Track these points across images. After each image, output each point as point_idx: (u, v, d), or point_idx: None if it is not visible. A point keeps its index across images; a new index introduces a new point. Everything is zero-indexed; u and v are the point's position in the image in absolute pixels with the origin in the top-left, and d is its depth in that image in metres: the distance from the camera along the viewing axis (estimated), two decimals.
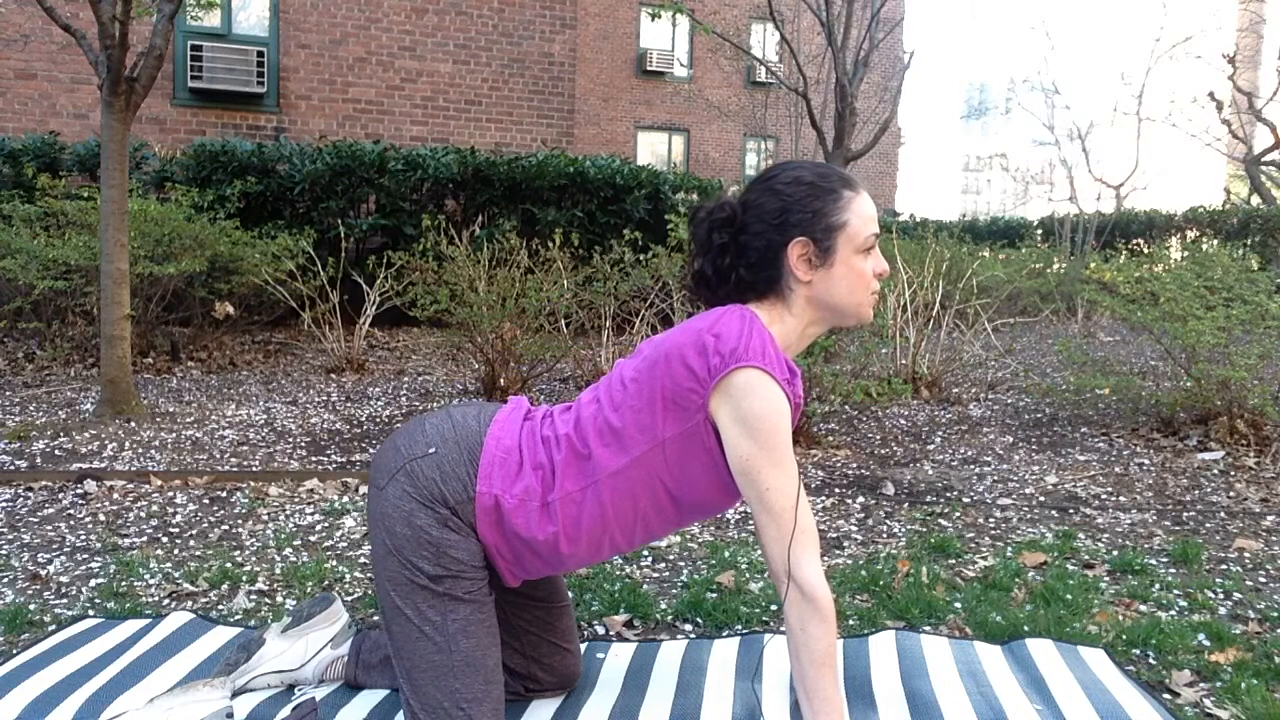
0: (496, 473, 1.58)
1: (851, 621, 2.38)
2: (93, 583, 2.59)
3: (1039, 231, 16.20)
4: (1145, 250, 13.66)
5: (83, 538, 2.98)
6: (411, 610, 1.55)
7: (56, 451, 4.07)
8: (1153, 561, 2.90)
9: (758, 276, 1.64)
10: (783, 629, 2.28)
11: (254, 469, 3.88)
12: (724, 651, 2.12)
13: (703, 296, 1.71)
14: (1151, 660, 2.18)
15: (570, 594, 2.52)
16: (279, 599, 2.50)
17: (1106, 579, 2.74)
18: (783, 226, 1.62)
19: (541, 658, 1.85)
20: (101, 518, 3.20)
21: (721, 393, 1.51)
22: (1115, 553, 2.97)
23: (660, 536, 1.68)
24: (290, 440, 4.41)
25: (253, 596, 2.51)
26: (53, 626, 2.28)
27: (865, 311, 1.66)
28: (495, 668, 1.57)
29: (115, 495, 3.46)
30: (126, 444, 4.22)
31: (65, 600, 2.47)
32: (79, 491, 3.49)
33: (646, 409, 1.55)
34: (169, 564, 2.75)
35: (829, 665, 1.51)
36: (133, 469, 3.81)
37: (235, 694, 1.84)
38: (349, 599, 2.51)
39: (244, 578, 2.63)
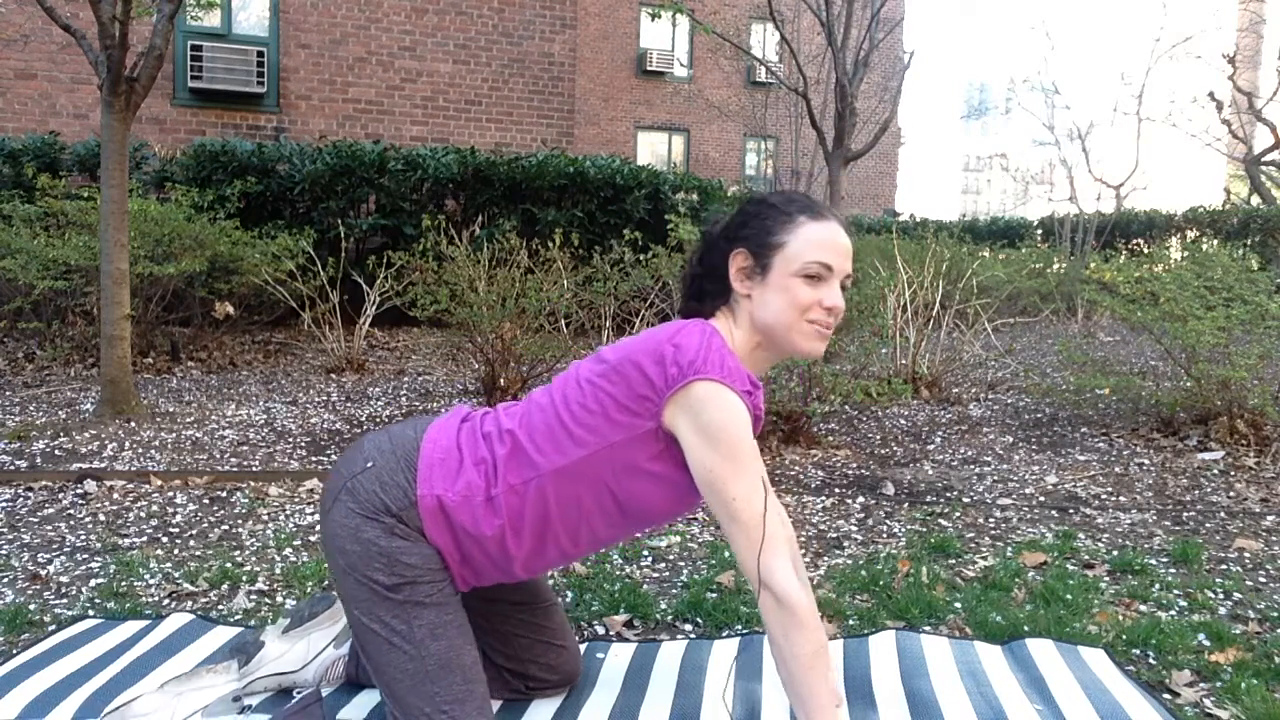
0: (436, 473, 1.60)
1: (851, 621, 2.38)
2: (93, 583, 2.59)
3: (1039, 231, 16.20)
4: (1145, 250, 13.66)
5: (83, 538, 2.98)
6: (377, 624, 1.56)
7: (56, 451, 4.07)
8: (1153, 561, 2.90)
9: (711, 287, 1.68)
10: None
11: (254, 469, 3.88)
12: (724, 651, 2.12)
13: (687, 309, 1.73)
14: (1151, 660, 2.18)
15: (556, 594, 2.52)
16: (279, 599, 2.50)
17: (1106, 579, 2.74)
18: (732, 238, 1.66)
19: (537, 658, 1.86)
20: (101, 518, 3.20)
21: (678, 404, 1.51)
22: (1115, 553, 2.97)
23: (608, 544, 1.68)
24: (290, 440, 4.41)
25: (253, 596, 2.51)
26: (53, 626, 2.28)
27: (799, 341, 1.61)
28: (473, 665, 1.57)
29: (115, 495, 3.46)
30: (126, 444, 4.22)
31: (65, 600, 2.47)
32: (79, 491, 3.49)
33: (599, 411, 1.55)
34: (169, 564, 2.75)
35: (816, 668, 1.50)
36: (133, 469, 3.81)
37: (235, 698, 1.84)
38: None
39: (244, 578, 2.63)
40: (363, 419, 4.92)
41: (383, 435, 1.68)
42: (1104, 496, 3.68)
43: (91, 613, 2.37)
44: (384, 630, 1.55)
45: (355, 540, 1.57)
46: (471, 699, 1.54)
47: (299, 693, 1.88)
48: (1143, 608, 2.51)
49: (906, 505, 3.52)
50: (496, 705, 1.87)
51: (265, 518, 3.24)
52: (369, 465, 1.62)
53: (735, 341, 1.64)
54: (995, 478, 3.96)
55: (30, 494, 3.45)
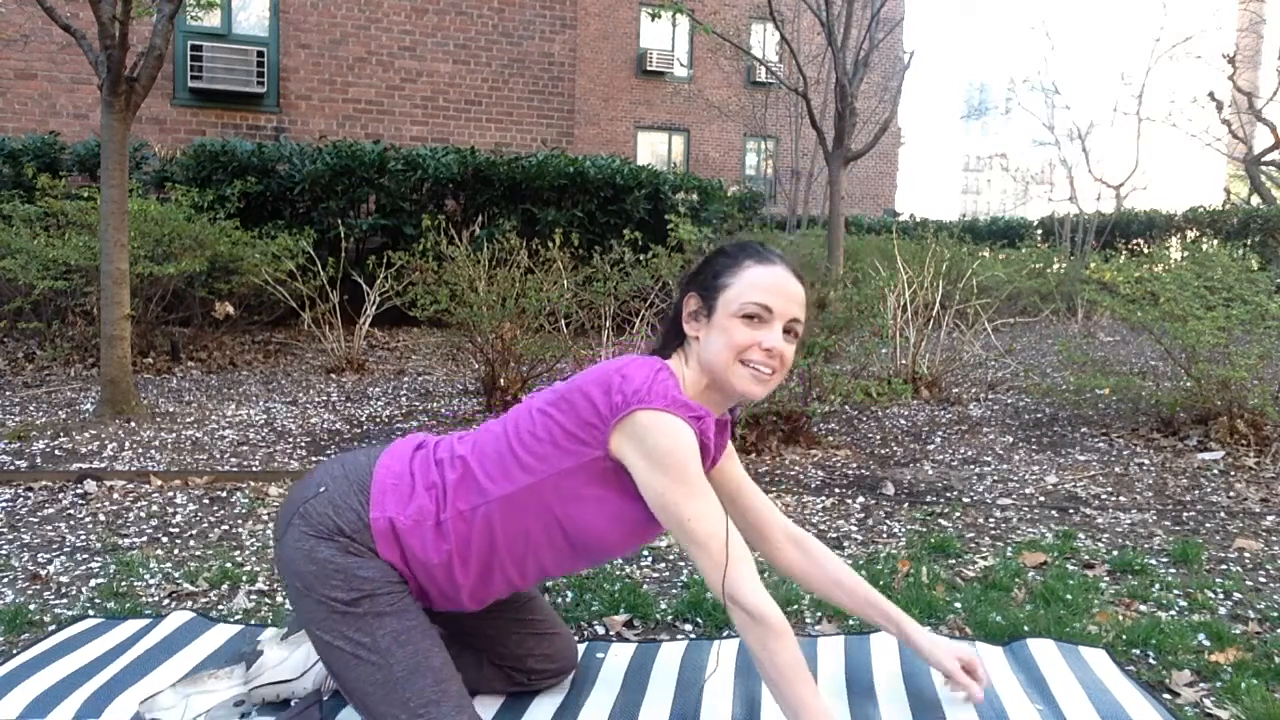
0: (389, 497, 1.62)
1: (852, 621, 2.38)
2: (93, 583, 2.59)
3: (1039, 231, 16.19)
4: (1145, 250, 13.66)
5: (83, 538, 2.98)
6: (341, 640, 1.57)
7: (56, 451, 4.06)
8: (1153, 561, 2.90)
9: (670, 328, 1.71)
10: None
11: (254, 469, 3.88)
12: (724, 651, 2.13)
13: (652, 351, 1.76)
14: (1151, 660, 2.18)
15: (554, 592, 2.52)
16: (279, 599, 2.50)
17: (1106, 579, 2.74)
18: (686, 282, 1.70)
19: (531, 650, 1.87)
20: (101, 518, 3.20)
21: (623, 432, 1.52)
22: (1115, 553, 2.97)
23: (556, 575, 1.70)
24: (290, 440, 4.41)
25: (253, 596, 2.51)
26: (53, 626, 2.28)
27: (735, 381, 1.61)
28: (443, 666, 1.58)
29: (115, 495, 3.46)
30: (126, 444, 4.22)
31: (65, 600, 2.47)
32: (79, 491, 3.49)
33: (547, 439, 1.57)
34: (169, 564, 2.75)
35: (800, 675, 1.52)
36: (133, 469, 3.81)
37: (236, 702, 1.84)
38: None
39: (244, 578, 2.63)
40: (363, 419, 4.92)
41: (335, 462, 1.71)
42: (1104, 496, 3.68)
43: (91, 613, 2.37)
44: (348, 645, 1.57)
45: (310, 561, 1.59)
46: (446, 698, 1.55)
47: (297, 700, 1.87)
48: (1143, 608, 2.51)
49: (906, 505, 3.52)
50: (498, 702, 1.87)
51: (265, 518, 3.24)
52: (321, 490, 1.64)
53: (687, 381, 1.66)
54: (995, 478, 3.96)
55: (30, 494, 3.45)
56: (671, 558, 2.89)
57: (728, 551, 1.51)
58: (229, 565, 2.73)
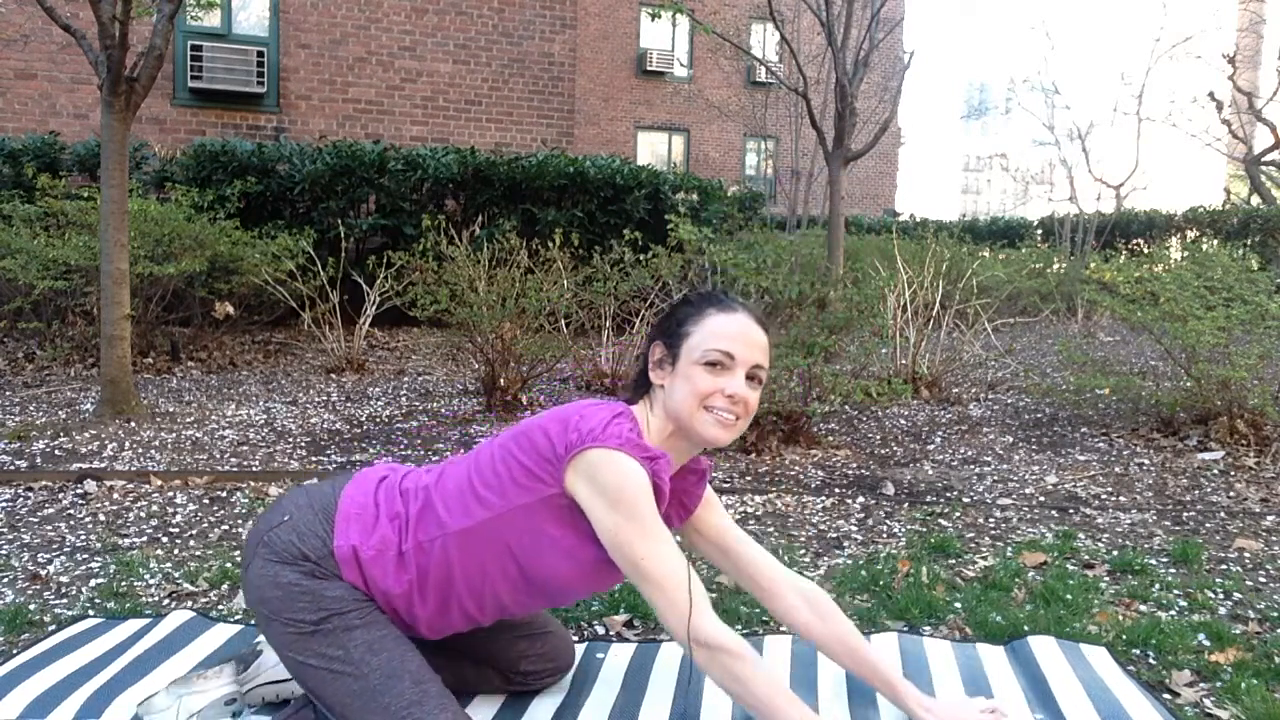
0: (353, 526, 1.64)
1: (852, 621, 2.38)
2: (93, 583, 2.59)
3: (1039, 231, 16.19)
4: (1145, 250, 13.66)
5: (83, 538, 2.98)
6: (314, 659, 1.58)
7: (56, 451, 4.07)
8: (1153, 561, 2.90)
9: (638, 376, 1.73)
10: (783, 628, 2.28)
11: (254, 469, 3.88)
12: None
13: (622, 398, 1.77)
14: (1151, 660, 2.18)
15: None
16: None
17: (1106, 579, 2.74)
18: (652, 331, 1.72)
19: (524, 652, 1.87)
20: (101, 518, 3.20)
21: (577, 470, 1.53)
22: (1115, 553, 2.97)
23: (517, 612, 1.71)
24: (290, 440, 4.41)
25: None
26: (53, 626, 2.28)
27: (699, 428, 1.62)
28: (419, 669, 1.59)
29: (115, 495, 3.46)
30: (126, 444, 4.22)
31: (65, 600, 2.47)
32: (79, 491, 3.49)
33: (506, 474, 1.59)
34: (169, 564, 2.75)
35: (780, 695, 1.51)
36: (133, 469, 3.81)
37: (228, 701, 1.84)
38: None
39: None
40: (363, 419, 4.92)
41: (300, 492, 1.72)
42: (1104, 496, 3.68)
43: (91, 612, 2.37)
44: (322, 662, 1.58)
45: (275, 586, 1.61)
46: (427, 698, 1.56)
47: (295, 699, 1.87)
48: (1143, 608, 2.51)
49: (906, 505, 3.52)
50: (498, 702, 1.87)
51: None
52: (285, 519, 1.66)
53: (652, 428, 1.67)
54: (995, 478, 3.96)
55: (30, 494, 3.45)
56: None
57: (691, 595, 1.51)
58: (229, 565, 2.73)
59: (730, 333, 1.63)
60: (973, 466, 4.14)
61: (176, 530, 3.09)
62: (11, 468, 3.78)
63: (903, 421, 5.08)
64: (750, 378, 1.64)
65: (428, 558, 1.61)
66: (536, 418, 1.62)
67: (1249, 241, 12.75)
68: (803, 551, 2.96)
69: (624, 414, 1.60)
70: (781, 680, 1.53)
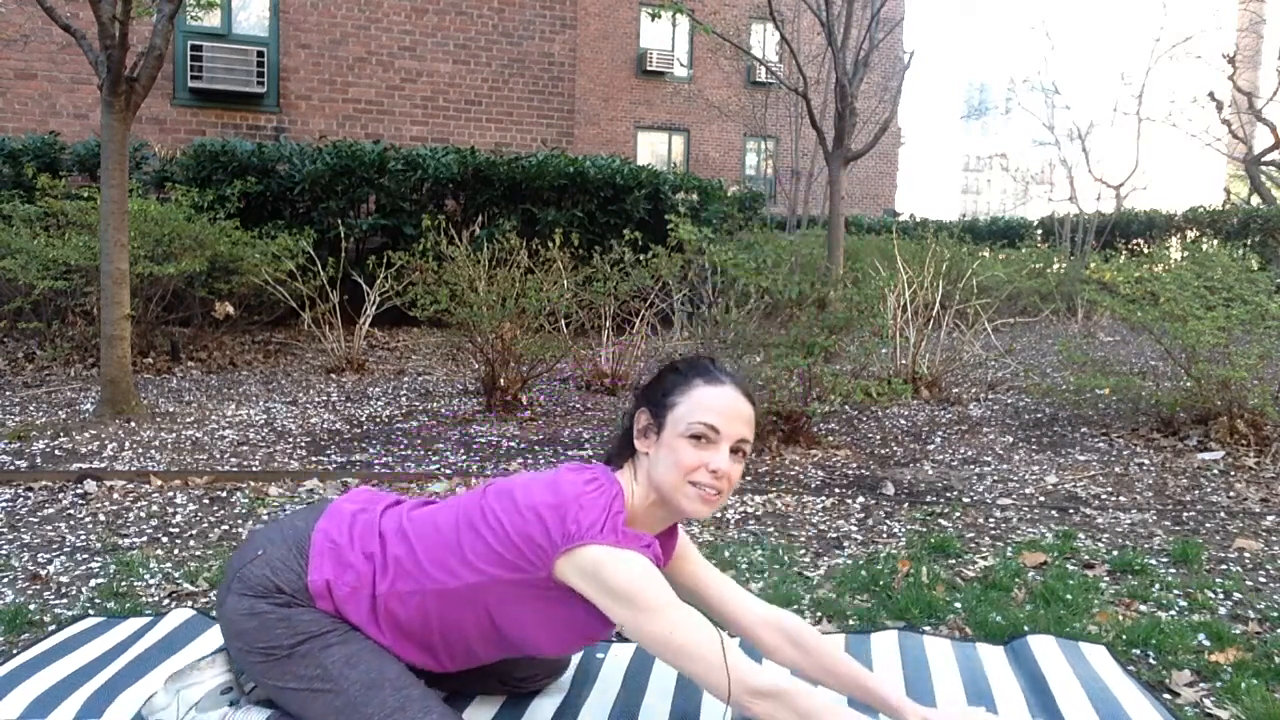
0: (326, 561, 1.65)
1: (851, 621, 2.38)
2: (93, 583, 2.59)
3: (1039, 231, 16.19)
4: (1145, 250, 13.66)
5: (83, 538, 2.98)
6: (293, 681, 1.60)
7: (56, 451, 4.06)
8: (1153, 561, 2.90)
9: (625, 442, 1.71)
10: None
11: (254, 469, 3.88)
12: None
13: (608, 456, 1.76)
14: (1151, 660, 2.18)
15: None
16: None
17: (1106, 579, 2.74)
18: (639, 397, 1.70)
19: (516, 660, 1.87)
20: (101, 518, 3.20)
21: (573, 563, 1.52)
22: (1115, 553, 2.97)
23: (487, 662, 1.71)
24: (290, 440, 4.41)
25: None
26: (53, 626, 2.28)
27: (682, 501, 1.61)
28: (399, 675, 1.60)
29: (115, 495, 3.46)
30: (126, 444, 4.22)
31: (65, 600, 2.47)
32: (79, 491, 3.49)
33: (494, 544, 1.57)
34: (169, 564, 2.75)
35: (846, 713, 1.51)
36: (133, 469, 3.81)
37: (224, 690, 1.84)
38: None
39: None
40: (363, 419, 4.92)
41: (273, 527, 1.73)
42: (1104, 496, 3.68)
43: (91, 612, 2.37)
44: (301, 683, 1.59)
45: (251, 616, 1.62)
46: (410, 702, 1.56)
47: None
48: (1143, 608, 2.51)
49: (906, 505, 3.52)
50: (499, 702, 1.87)
51: (265, 518, 3.24)
52: (259, 554, 1.67)
53: (635, 498, 1.66)
54: (995, 478, 3.96)
55: (30, 494, 3.45)
56: None
57: (725, 653, 1.49)
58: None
59: (716, 406, 1.61)
60: (973, 466, 4.14)
61: (176, 530, 3.09)
62: (11, 468, 3.78)
63: (903, 421, 5.08)
64: (734, 450, 1.63)
65: (405, 607, 1.62)
66: (533, 487, 1.59)
67: (1249, 241, 12.75)
68: (803, 551, 2.96)
69: (618, 495, 1.59)
70: (839, 700, 1.52)
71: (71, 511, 3.26)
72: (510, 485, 1.63)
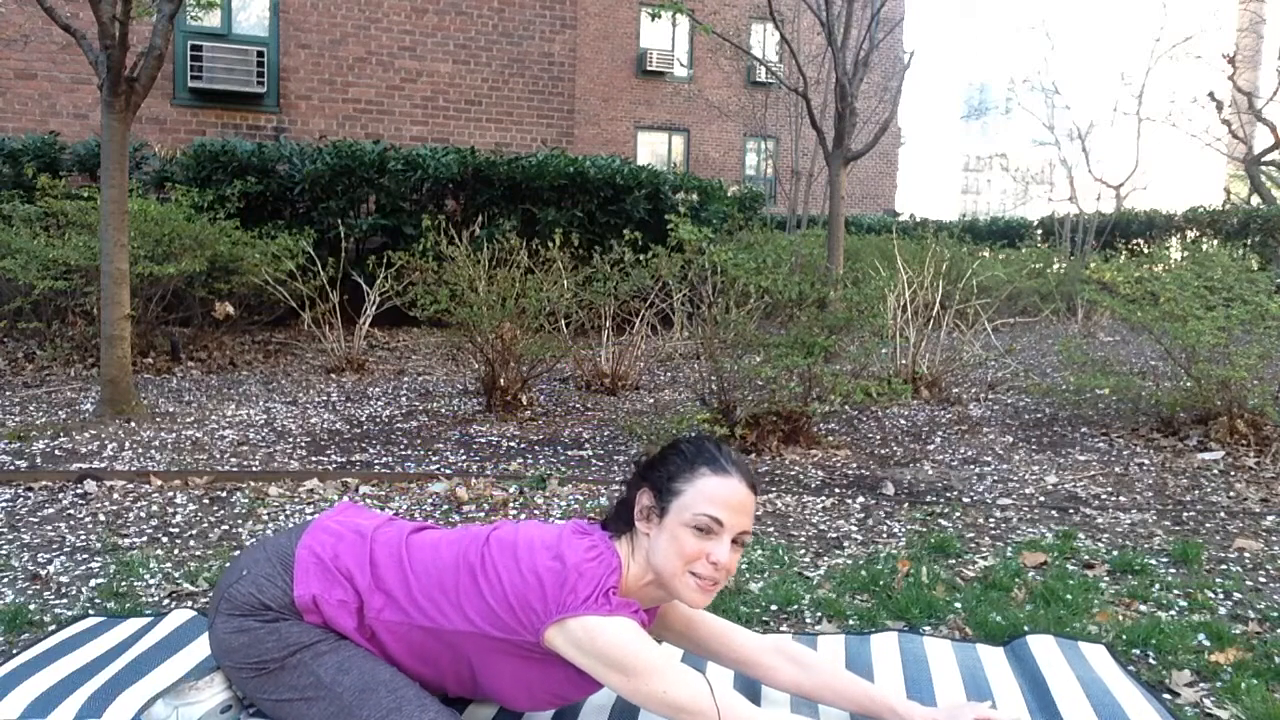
0: (313, 577, 1.66)
1: (851, 621, 2.38)
2: (93, 583, 2.59)
3: (1039, 231, 16.19)
4: (1145, 250, 13.66)
5: (83, 538, 2.98)
6: (286, 692, 1.61)
7: (56, 451, 4.06)
8: (1153, 561, 2.90)
9: (625, 513, 1.69)
10: (783, 628, 2.28)
11: (254, 469, 3.88)
12: None
13: (607, 521, 1.75)
14: (1151, 660, 2.18)
15: None
16: None
17: (1106, 579, 2.74)
18: (643, 475, 1.68)
19: None
20: (101, 518, 3.20)
21: (565, 632, 1.53)
22: (1115, 553, 2.97)
23: (456, 694, 1.73)
24: (290, 440, 4.41)
25: None
26: (53, 626, 2.28)
27: (681, 590, 1.61)
28: (392, 678, 1.61)
29: (115, 495, 3.46)
30: (126, 444, 4.22)
31: (65, 600, 2.47)
32: (79, 491, 3.49)
33: (493, 601, 1.58)
34: (169, 564, 2.75)
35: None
36: (133, 469, 3.81)
37: (223, 709, 1.84)
38: None
39: None
40: (363, 419, 4.92)
41: (257, 547, 1.75)
42: (1104, 496, 3.68)
43: (91, 612, 2.37)
44: (294, 694, 1.61)
45: (240, 633, 1.63)
46: (405, 705, 1.57)
47: None
48: (1143, 608, 2.51)
49: (906, 505, 3.52)
50: (497, 704, 1.87)
51: (265, 518, 3.24)
52: (244, 573, 1.69)
53: (631, 572, 1.66)
54: (995, 478, 3.96)
55: (30, 494, 3.45)
56: None
57: (716, 700, 1.52)
58: (229, 565, 2.73)
59: (722, 498, 1.60)
60: (973, 466, 4.14)
61: (176, 530, 3.09)
62: (11, 468, 3.78)
63: (903, 421, 5.08)
64: (734, 541, 1.63)
65: (390, 635, 1.64)
66: (537, 547, 1.59)
67: (1249, 241, 12.75)
68: (803, 551, 2.96)
69: (616, 570, 1.60)
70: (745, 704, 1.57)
71: (71, 511, 3.26)
72: (515, 538, 1.63)
